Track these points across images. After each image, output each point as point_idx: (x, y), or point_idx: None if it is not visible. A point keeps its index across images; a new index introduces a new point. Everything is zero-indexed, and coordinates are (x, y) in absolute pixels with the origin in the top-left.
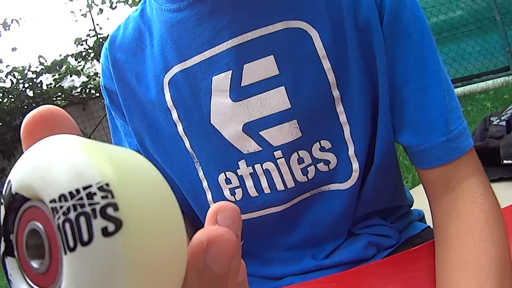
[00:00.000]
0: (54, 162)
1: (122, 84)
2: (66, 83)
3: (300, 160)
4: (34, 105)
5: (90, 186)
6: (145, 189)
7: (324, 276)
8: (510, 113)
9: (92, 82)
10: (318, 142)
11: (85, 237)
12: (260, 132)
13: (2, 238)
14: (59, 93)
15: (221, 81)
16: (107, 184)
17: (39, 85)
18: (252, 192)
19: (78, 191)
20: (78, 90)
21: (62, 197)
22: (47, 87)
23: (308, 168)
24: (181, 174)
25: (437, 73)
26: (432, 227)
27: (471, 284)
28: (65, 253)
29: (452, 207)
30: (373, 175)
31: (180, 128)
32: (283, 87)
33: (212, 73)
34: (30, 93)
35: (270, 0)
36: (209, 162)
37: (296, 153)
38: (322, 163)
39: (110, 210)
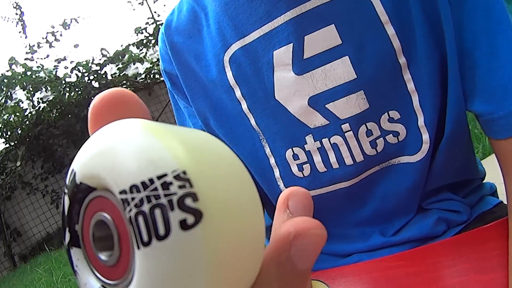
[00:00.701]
0: (123, 149)
1: (182, 67)
2: (130, 71)
3: (369, 133)
4: None
5: (165, 175)
6: (223, 175)
7: (393, 253)
8: None
9: (156, 68)
10: (386, 113)
11: (161, 231)
12: (326, 105)
13: (67, 229)
14: (124, 81)
15: (283, 55)
16: (184, 172)
17: (103, 76)
18: (320, 167)
19: (151, 181)
20: (143, 76)
21: (134, 188)
22: (112, 77)
23: (377, 141)
24: (248, 152)
25: (508, 34)
26: (505, 202)
27: None
28: (138, 248)
29: None
30: (444, 147)
31: (244, 106)
32: (347, 57)
33: (273, 48)
34: (96, 84)
35: None
36: (276, 138)
37: (364, 125)
38: (391, 134)
39: (189, 201)
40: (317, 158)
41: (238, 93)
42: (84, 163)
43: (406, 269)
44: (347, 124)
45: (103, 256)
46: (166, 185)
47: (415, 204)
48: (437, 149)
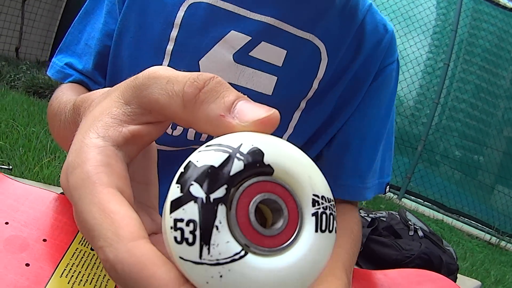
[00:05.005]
0: (315, 170)
1: None
2: None
3: None
4: None
5: (333, 200)
6: None
7: None
8: (379, 215)
9: None
10: None
11: (331, 227)
12: None
13: (224, 186)
14: None
15: (237, 39)
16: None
17: None
18: (190, 135)
19: (330, 200)
20: None
21: (322, 198)
22: None
23: None
24: None
25: (379, 142)
26: None
27: None
28: (316, 231)
29: (341, 214)
30: None
31: (169, 47)
32: (276, 77)
33: (234, 28)
34: None
35: (319, 15)
36: None
37: None
38: None
39: (332, 218)
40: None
41: (174, 33)
42: (280, 156)
43: None
44: None
45: (261, 227)
46: (334, 205)
47: None
48: None
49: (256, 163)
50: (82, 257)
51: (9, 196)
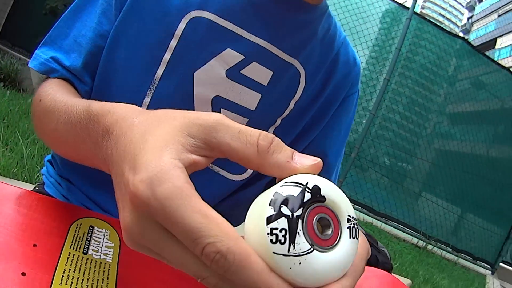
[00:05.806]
0: (347, 201)
1: None
2: None
3: None
4: None
5: (357, 219)
6: None
7: None
8: None
9: None
10: None
11: (357, 236)
12: (221, 109)
13: (302, 209)
14: None
15: (231, 56)
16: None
17: None
18: None
19: (356, 218)
20: None
21: (353, 217)
22: None
23: None
24: (128, 86)
25: (339, 159)
26: None
27: None
28: (350, 238)
29: None
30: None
31: (167, 55)
32: (260, 95)
33: (230, 46)
34: None
35: (303, 43)
36: (162, 98)
37: None
38: None
39: (358, 230)
40: None
41: (173, 43)
42: (330, 191)
43: None
44: None
45: (320, 234)
46: (358, 223)
47: None
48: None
49: (317, 194)
50: (77, 262)
51: None
